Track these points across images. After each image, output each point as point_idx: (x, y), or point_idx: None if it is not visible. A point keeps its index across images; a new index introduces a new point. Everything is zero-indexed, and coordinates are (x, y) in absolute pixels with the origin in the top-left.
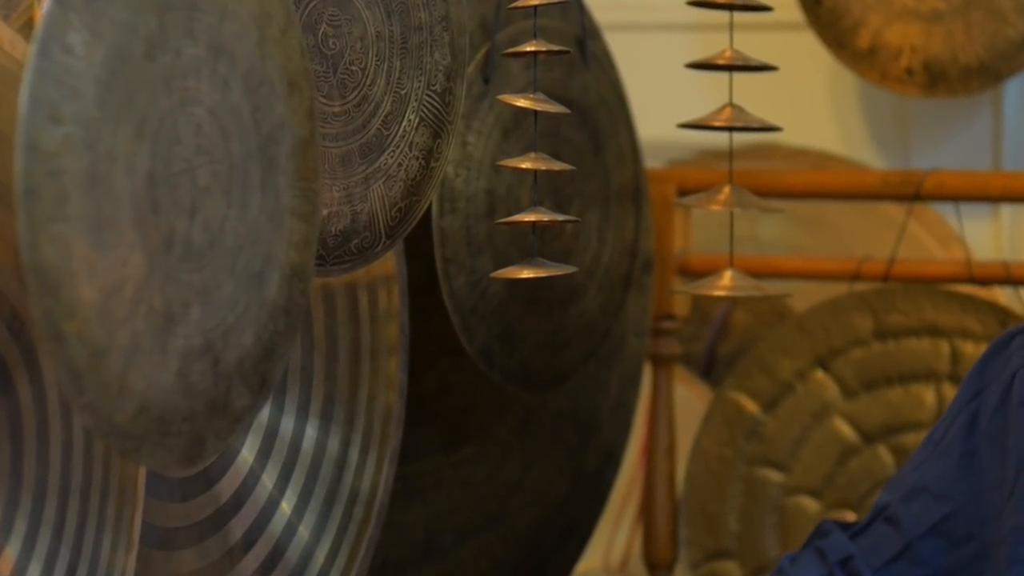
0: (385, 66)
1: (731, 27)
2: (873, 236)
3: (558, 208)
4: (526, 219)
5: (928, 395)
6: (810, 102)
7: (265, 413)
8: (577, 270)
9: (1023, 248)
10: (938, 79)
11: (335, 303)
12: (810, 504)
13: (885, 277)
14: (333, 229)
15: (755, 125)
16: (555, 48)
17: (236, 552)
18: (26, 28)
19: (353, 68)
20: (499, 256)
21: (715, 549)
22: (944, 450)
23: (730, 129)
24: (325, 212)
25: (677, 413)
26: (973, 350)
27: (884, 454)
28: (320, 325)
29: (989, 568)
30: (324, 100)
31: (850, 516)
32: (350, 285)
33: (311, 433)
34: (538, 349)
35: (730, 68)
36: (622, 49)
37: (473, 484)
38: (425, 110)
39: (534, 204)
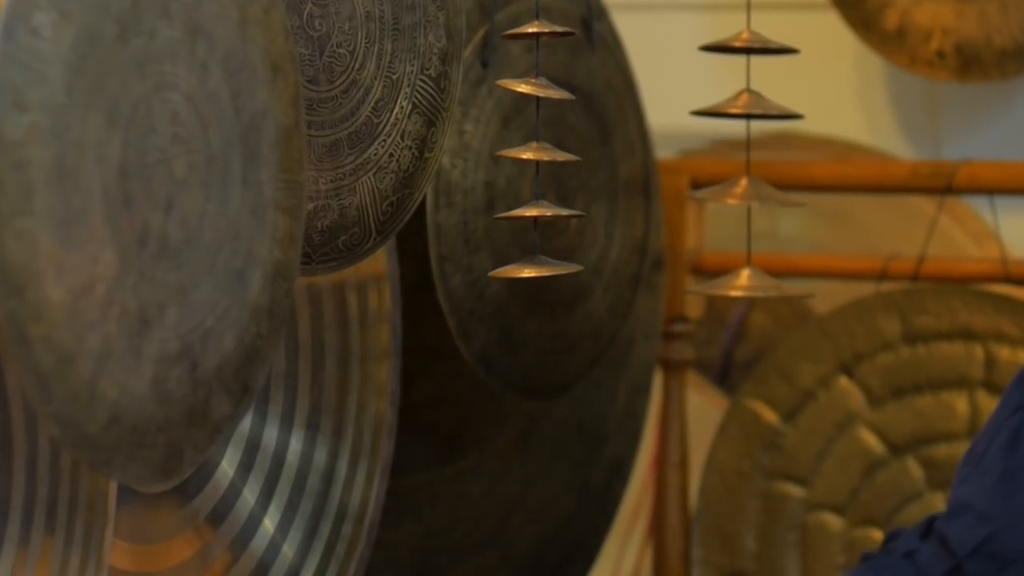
0: (375, 48)
1: (748, 7)
2: (901, 232)
3: (562, 202)
4: (527, 214)
5: (960, 403)
6: (834, 87)
7: (247, 423)
8: (582, 269)
9: None
10: (971, 62)
11: (322, 304)
12: (833, 521)
13: (914, 276)
14: (320, 224)
15: (774, 112)
16: (559, 29)
17: (215, 572)
18: None
19: (341, 51)
20: (498, 254)
21: (731, 570)
22: (986, 467)
23: (747, 117)
24: (311, 206)
25: (690, 423)
26: (1009, 355)
27: (913, 467)
28: (306, 328)
29: None
30: (310, 85)
31: (876, 534)
32: (338, 285)
33: (296, 444)
34: (540, 354)
35: (747, 51)
36: (631, 30)
37: (470, 500)
38: (418, 96)
39: (536, 198)
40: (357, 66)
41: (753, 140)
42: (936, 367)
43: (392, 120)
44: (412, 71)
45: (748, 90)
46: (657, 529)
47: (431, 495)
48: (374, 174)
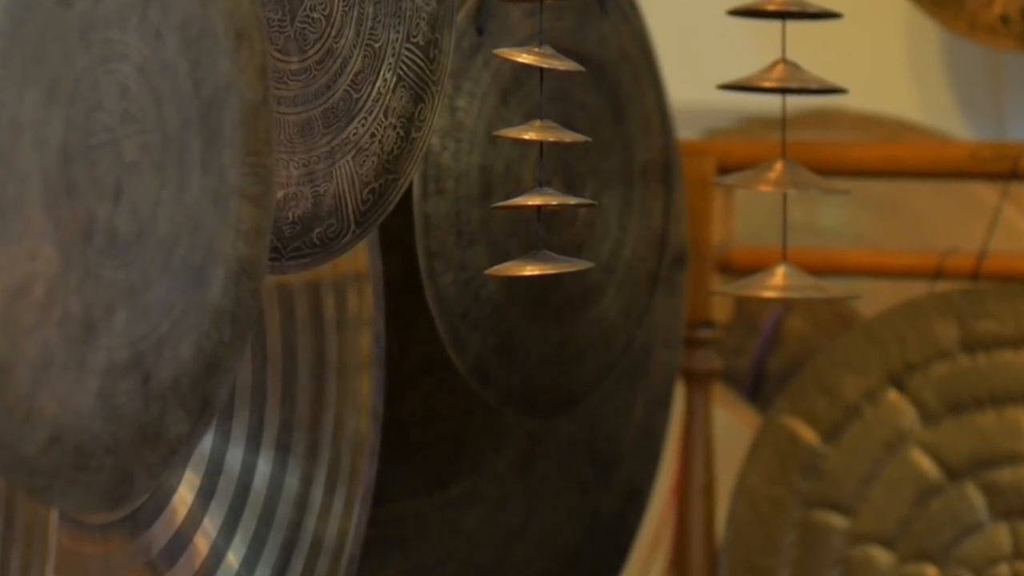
0: (354, 12)
1: None
2: (959, 224)
3: (569, 189)
4: (529, 203)
5: None
6: (882, 58)
7: (207, 443)
8: (593, 266)
9: None
10: None
11: (294, 307)
12: (881, 556)
13: (974, 274)
14: (291, 215)
15: (813, 86)
16: None
17: None
18: None
19: (315, 15)
20: (496, 249)
21: None
22: None
23: (783, 91)
24: (281, 194)
25: (717, 443)
26: None
27: (973, 493)
28: (275, 334)
29: None
30: (279, 55)
31: (930, 570)
32: (312, 285)
33: (264, 468)
34: (544, 364)
35: (783, 16)
36: None
37: (464, 531)
38: (404, 67)
39: (539, 184)
40: (334, 33)
41: (790, 118)
42: (999, 379)
43: (374, 95)
44: (397, 38)
45: (784, 60)
46: (679, 564)
47: (419, 526)
48: (353, 157)
